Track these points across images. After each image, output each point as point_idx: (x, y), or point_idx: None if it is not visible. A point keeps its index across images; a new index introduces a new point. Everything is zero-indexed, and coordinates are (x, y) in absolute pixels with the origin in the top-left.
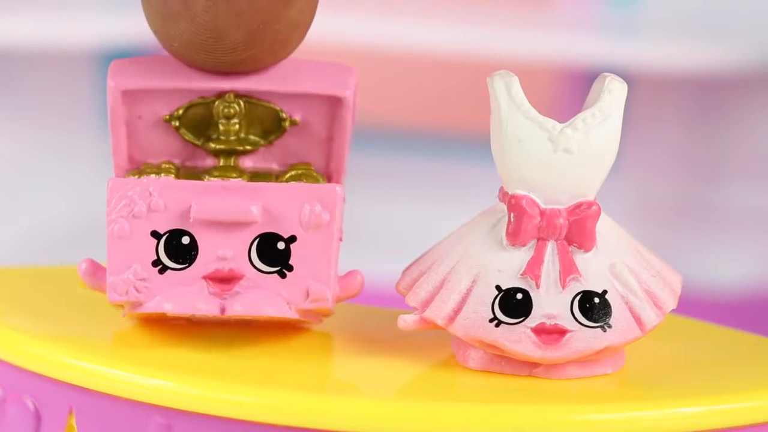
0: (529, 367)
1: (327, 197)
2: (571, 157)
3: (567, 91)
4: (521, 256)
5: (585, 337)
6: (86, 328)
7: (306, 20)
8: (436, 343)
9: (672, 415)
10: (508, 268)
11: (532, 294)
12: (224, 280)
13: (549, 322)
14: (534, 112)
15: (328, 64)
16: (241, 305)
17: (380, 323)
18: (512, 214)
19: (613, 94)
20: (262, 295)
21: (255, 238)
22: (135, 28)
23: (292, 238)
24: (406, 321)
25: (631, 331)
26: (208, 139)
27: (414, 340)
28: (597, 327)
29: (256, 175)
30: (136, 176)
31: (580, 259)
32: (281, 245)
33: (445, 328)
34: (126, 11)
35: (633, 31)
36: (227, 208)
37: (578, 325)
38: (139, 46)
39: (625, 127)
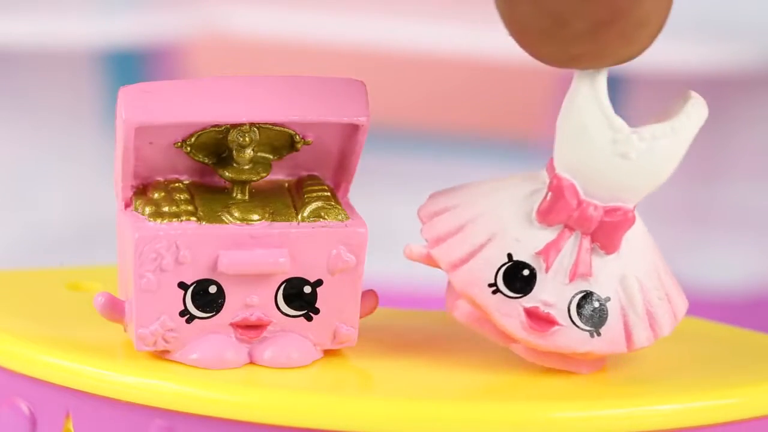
0: (508, 340)
1: (354, 240)
2: (628, 164)
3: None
4: (544, 235)
5: (571, 336)
6: (84, 330)
7: (655, 21)
8: (435, 343)
9: (665, 411)
10: (527, 241)
11: (538, 275)
12: (252, 327)
13: (543, 309)
14: (610, 109)
15: (339, 82)
16: (270, 351)
17: (380, 323)
18: (549, 194)
19: (690, 119)
20: (290, 340)
21: (281, 284)
22: (135, 28)
23: (319, 282)
24: (412, 250)
25: (618, 344)
26: (219, 159)
27: (414, 339)
28: (587, 331)
29: (272, 200)
30: (152, 210)
31: (598, 259)
32: (308, 289)
33: (446, 272)
34: (126, 11)
35: None
36: (256, 261)
37: (570, 322)
38: (139, 46)
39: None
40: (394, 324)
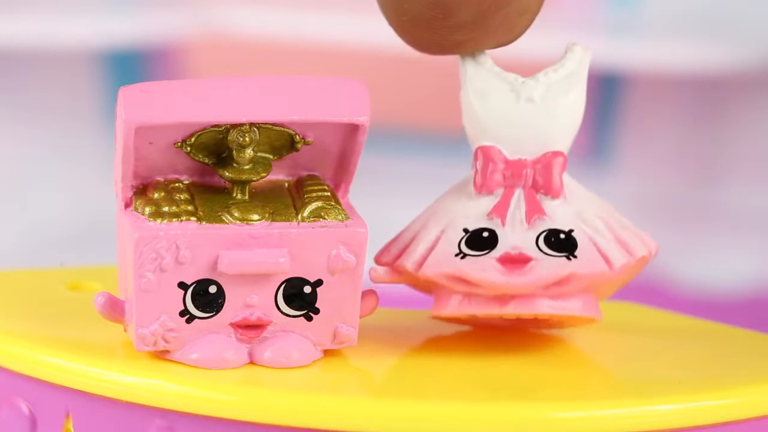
0: (499, 304)
1: (354, 240)
2: (535, 106)
3: None
4: (488, 202)
5: (549, 264)
6: (84, 331)
7: (533, 8)
8: (435, 343)
9: (665, 411)
10: (475, 213)
11: (498, 231)
12: (252, 327)
13: (513, 252)
14: (497, 69)
15: (339, 82)
16: (270, 352)
17: (380, 323)
18: (478, 163)
19: (575, 53)
20: (290, 340)
21: (281, 284)
22: (135, 28)
23: (319, 282)
24: (377, 272)
25: (597, 263)
26: (219, 159)
27: (414, 339)
28: (561, 256)
29: (272, 200)
30: (152, 210)
31: (548, 205)
32: (308, 289)
33: (414, 272)
34: (126, 11)
35: (633, 31)
36: (256, 260)
37: (542, 254)
38: (139, 46)
39: (623, 126)
40: (395, 324)
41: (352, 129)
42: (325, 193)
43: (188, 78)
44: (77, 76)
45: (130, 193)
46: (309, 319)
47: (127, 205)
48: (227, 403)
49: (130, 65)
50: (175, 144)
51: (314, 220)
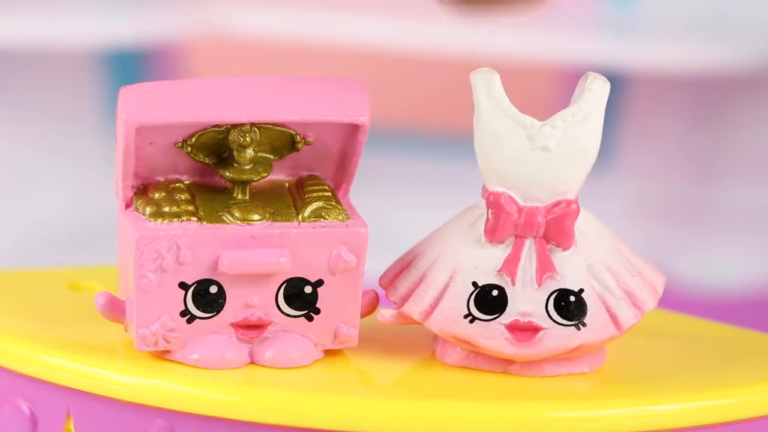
0: (504, 364)
1: (355, 240)
2: (549, 155)
3: (566, 91)
4: (499, 253)
5: (559, 335)
6: (84, 330)
7: None
8: (432, 342)
9: (665, 411)
10: (485, 264)
11: (507, 291)
12: (252, 327)
13: (523, 320)
14: (513, 110)
15: (339, 82)
16: (270, 352)
17: (381, 323)
18: (490, 211)
19: (593, 93)
20: (290, 340)
21: (282, 284)
22: (135, 28)
23: (319, 282)
24: (384, 315)
25: (607, 329)
26: (220, 159)
27: (414, 339)
28: (571, 325)
29: (273, 200)
30: (153, 210)
31: (558, 257)
32: (308, 289)
33: (422, 323)
34: (126, 11)
35: (633, 31)
36: (257, 261)
37: (552, 323)
38: (139, 46)
39: (624, 126)
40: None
41: (353, 129)
42: (326, 193)
43: (188, 78)
44: (77, 76)
45: (130, 193)
46: (310, 319)
47: (127, 206)
48: (228, 403)
49: (130, 65)
50: (175, 144)
51: (315, 220)
